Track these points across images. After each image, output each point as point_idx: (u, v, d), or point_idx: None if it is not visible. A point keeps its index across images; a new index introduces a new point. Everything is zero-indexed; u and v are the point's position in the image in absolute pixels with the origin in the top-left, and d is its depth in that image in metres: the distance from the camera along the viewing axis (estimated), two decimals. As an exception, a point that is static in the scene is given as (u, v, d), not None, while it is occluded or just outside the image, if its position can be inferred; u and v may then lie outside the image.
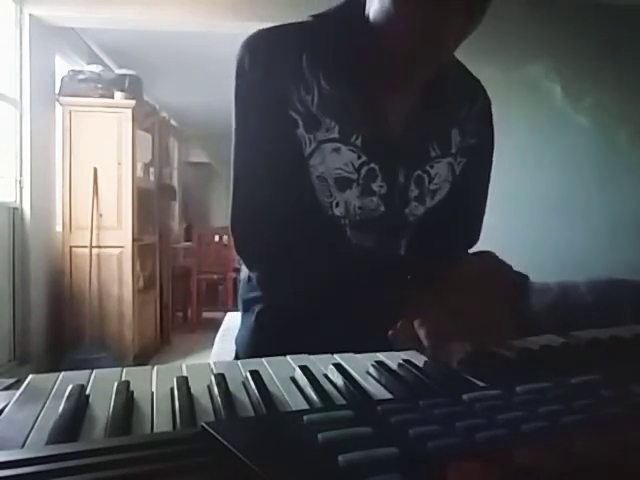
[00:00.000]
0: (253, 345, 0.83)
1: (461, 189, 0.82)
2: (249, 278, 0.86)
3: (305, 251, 0.72)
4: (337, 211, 0.75)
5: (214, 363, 0.51)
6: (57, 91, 3.61)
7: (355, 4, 0.74)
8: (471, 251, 0.86)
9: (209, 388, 0.44)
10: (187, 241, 6.45)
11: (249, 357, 0.60)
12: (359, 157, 0.73)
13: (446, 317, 0.56)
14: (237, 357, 0.85)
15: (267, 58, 0.71)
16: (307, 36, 0.73)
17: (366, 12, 0.71)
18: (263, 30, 0.73)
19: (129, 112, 3.63)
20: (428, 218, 0.81)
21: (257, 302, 0.83)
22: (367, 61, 0.73)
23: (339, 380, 0.46)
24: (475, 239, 0.88)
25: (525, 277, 0.66)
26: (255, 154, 0.73)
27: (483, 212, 0.88)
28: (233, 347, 0.88)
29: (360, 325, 0.71)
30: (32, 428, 0.36)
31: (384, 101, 0.74)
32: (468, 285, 0.59)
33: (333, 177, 0.73)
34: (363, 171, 0.73)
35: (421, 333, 0.56)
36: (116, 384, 0.43)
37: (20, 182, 3.27)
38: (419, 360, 0.53)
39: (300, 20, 0.76)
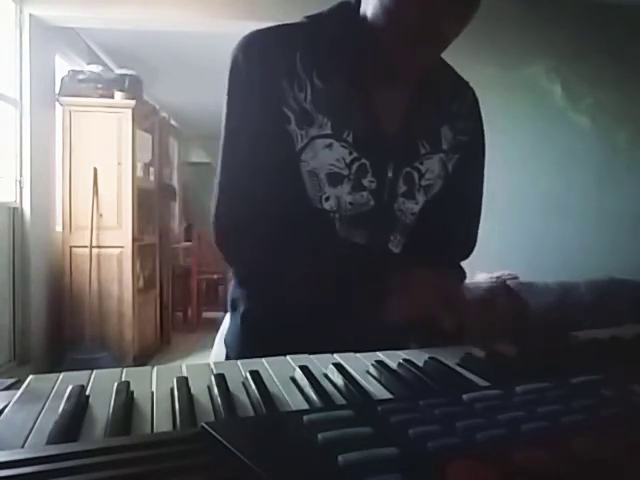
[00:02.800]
0: (241, 345, 0.83)
1: (454, 186, 0.83)
2: (235, 276, 0.86)
3: (293, 246, 0.73)
4: (327, 205, 0.75)
5: (214, 363, 0.51)
6: (57, 91, 3.61)
7: (348, 5, 0.76)
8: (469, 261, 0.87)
9: (209, 388, 0.44)
10: (187, 241, 6.45)
11: (239, 357, 0.60)
12: (350, 153, 0.74)
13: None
14: (228, 357, 0.84)
15: (261, 56, 0.73)
16: (301, 36, 0.75)
17: (361, 12, 0.74)
18: (257, 30, 0.75)
19: (129, 112, 3.63)
20: (422, 216, 0.81)
21: (242, 301, 0.83)
22: (361, 59, 0.75)
23: (339, 380, 0.46)
24: (471, 246, 0.89)
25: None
26: (244, 149, 0.74)
27: (479, 213, 0.89)
28: (233, 347, 0.87)
29: (348, 321, 0.72)
30: (32, 428, 0.36)
31: (376, 98, 0.76)
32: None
33: (325, 172, 0.74)
34: (354, 167, 0.75)
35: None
36: (116, 384, 0.43)
37: (20, 182, 3.27)
38: (419, 360, 0.53)
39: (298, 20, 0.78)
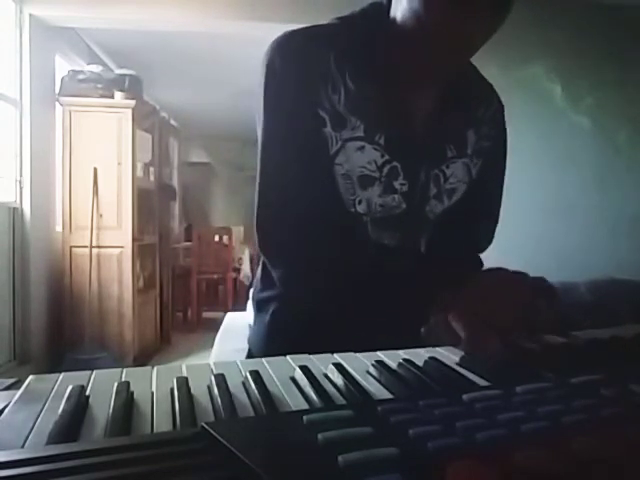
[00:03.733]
0: (269, 344, 0.83)
1: (477, 191, 0.84)
2: (263, 277, 0.86)
3: (328, 248, 0.74)
4: (360, 208, 0.76)
5: (214, 363, 0.51)
6: (57, 91, 3.61)
7: (379, 6, 0.76)
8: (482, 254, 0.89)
9: (209, 388, 0.44)
10: (187, 241, 6.45)
11: (264, 356, 0.60)
12: (382, 155, 0.75)
13: (478, 313, 0.58)
14: (251, 356, 0.85)
15: (296, 58, 0.73)
16: (334, 37, 0.75)
17: (391, 14, 0.74)
18: (291, 32, 0.75)
19: (129, 112, 3.64)
20: (446, 218, 0.82)
21: (272, 301, 0.84)
22: (392, 62, 0.75)
23: (339, 380, 0.46)
24: (490, 241, 0.91)
25: (542, 279, 0.67)
26: (284, 152, 0.74)
27: (498, 215, 0.91)
28: (233, 347, 0.88)
29: (381, 323, 0.72)
30: (32, 428, 0.36)
31: (407, 101, 0.77)
32: (493, 289, 0.62)
33: (357, 175, 0.74)
34: (385, 169, 0.75)
35: (457, 326, 0.58)
36: (116, 384, 0.43)
37: (20, 182, 3.27)
38: (419, 359, 0.53)
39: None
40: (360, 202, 0.76)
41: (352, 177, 0.74)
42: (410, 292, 0.69)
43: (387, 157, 0.75)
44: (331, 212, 0.75)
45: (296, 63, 0.73)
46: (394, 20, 0.73)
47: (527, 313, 0.61)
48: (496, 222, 0.91)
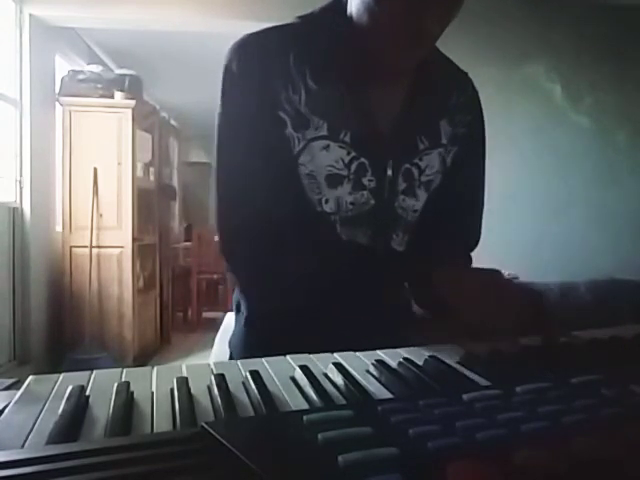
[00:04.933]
0: (244, 347, 0.82)
1: (454, 178, 0.82)
2: None
3: (294, 249, 0.73)
4: (327, 207, 0.75)
5: (214, 363, 0.51)
6: (57, 91, 3.61)
7: (338, 5, 0.75)
8: (473, 254, 0.87)
9: (209, 388, 0.44)
10: (187, 241, 6.44)
11: (241, 358, 0.60)
12: (349, 153, 0.74)
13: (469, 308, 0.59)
14: (232, 359, 0.84)
15: (254, 60, 0.72)
16: (293, 37, 0.75)
17: (348, 10, 0.73)
18: (250, 34, 0.74)
19: (129, 112, 3.63)
20: (426, 212, 0.81)
21: (245, 303, 0.83)
22: (352, 58, 0.74)
23: (339, 379, 0.46)
24: (476, 238, 0.88)
25: (532, 287, 0.68)
26: (241, 154, 0.73)
27: (481, 207, 0.88)
28: (233, 347, 0.88)
29: (352, 323, 0.71)
30: (32, 428, 0.36)
31: (371, 96, 0.75)
32: (488, 287, 0.63)
33: (324, 174, 0.73)
34: (353, 166, 0.74)
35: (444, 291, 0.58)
36: (116, 385, 0.43)
37: (20, 182, 3.27)
38: (419, 359, 0.53)
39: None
40: (327, 201, 0.74)
41: (317, 177, 0.73)
42: (381, 289, 0.69)
43: (354, 154, 0.74)
44: (295, 212, 0.74)
45: (254, 65, 0.72)
46: (351, 16, 0.72)
47: (517, 318, 0.61)
48: (480, 214, 0.88)
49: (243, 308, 0.83)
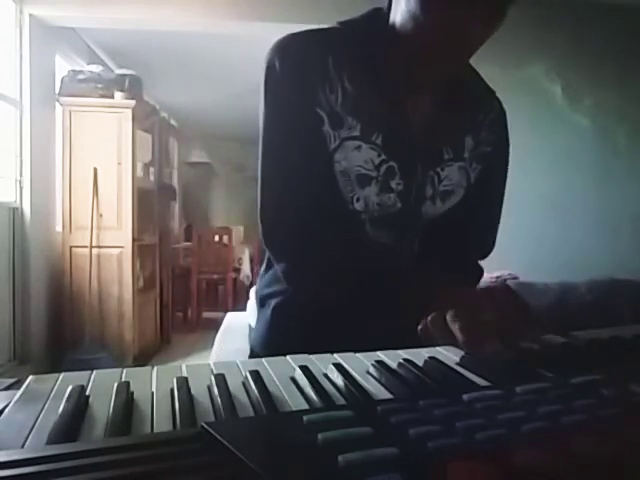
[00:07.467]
0: (270, 339, 0.84)
1: (477, 196, 0.85)
2: (265, 273, 0.88)
3: (328, 243, 0.75)
4: (357, 206, 0.77)
5: (214, 363, 0.51)
6: (57, 91, 3.61)
7: (379, 12, 0.78)
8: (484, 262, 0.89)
9: (209, 388, 0.44)
10: (187, 241, 6.45)
11: (266, 352, 0.60)
12: (379, 155, 0.76)
13: (476, 314, 0.58)
14: (253, 354, 0.86)
15: (296, 59, 0.75)
16: (334, 40, 0.78)
17: (391, 18, 0.75)
18: (292, 34, 0.77)
19: (129, 112, 3.63)
20: (443, 221, 0.83)
21: (273, 296, 0.85)
22: (390, 64, 0.76)
23: (339, 380, 0.46)
24: (489, 248, 0.90)
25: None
26: (284, 149, 0.76)
27: (498, 221, 0.91)
28: (233, 347, 0.88)
29: (379, 321, 0.73)
30: (32, 428, 0.36)
31: (404, 102, 0.78)
32: (490, 298, 0.63)
33: (354, 173, 0.76)
34: (382, 169, 0.76)
35: (455, 326, 0.58)
36: (116, 384, 0.43)
37: (20, 182, 3.27)
38: (419, 359, 0.53)
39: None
40: (358, 200, 0.77)
41: (350, 175, 0.76)
42: (406, 291, 0.70)
43: (384, 157, 0.76)
44: (331, 207, 0.77)
45: (295, 64, 0.75)
46: (393, 24, 0.74)
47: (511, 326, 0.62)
48: (496, 230, 0.91)
49: (272, 299, 0.85)
